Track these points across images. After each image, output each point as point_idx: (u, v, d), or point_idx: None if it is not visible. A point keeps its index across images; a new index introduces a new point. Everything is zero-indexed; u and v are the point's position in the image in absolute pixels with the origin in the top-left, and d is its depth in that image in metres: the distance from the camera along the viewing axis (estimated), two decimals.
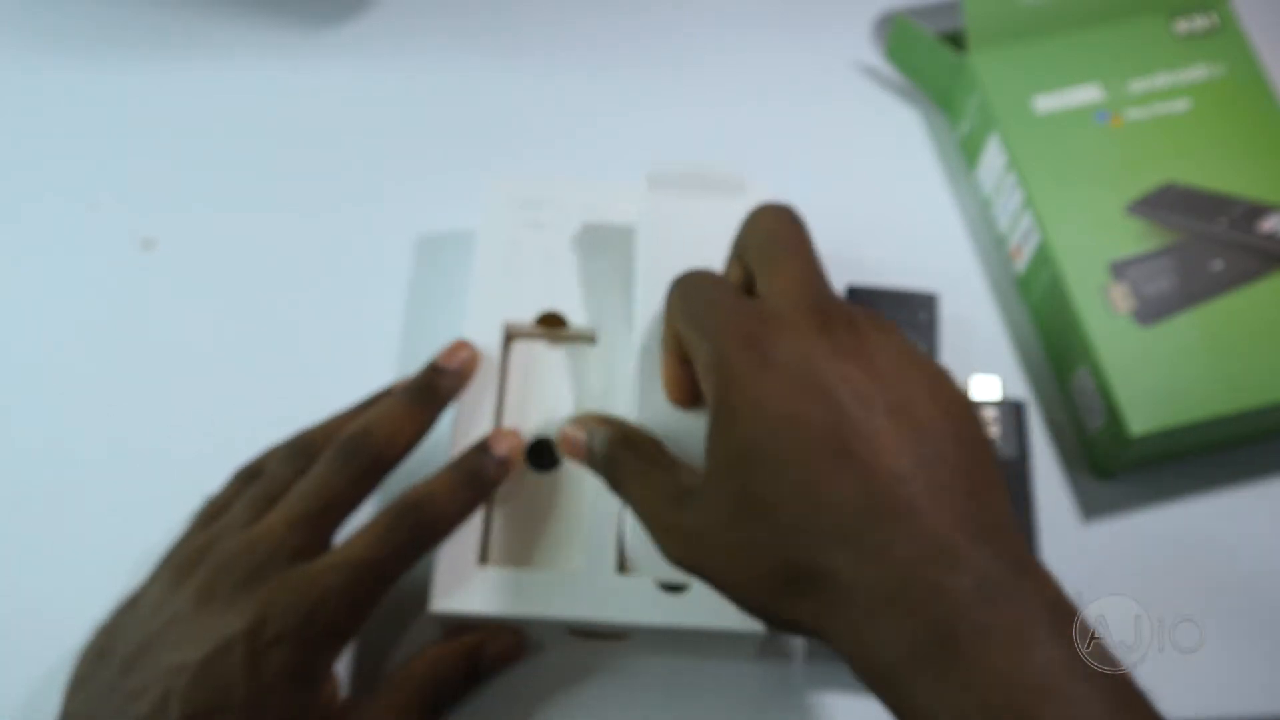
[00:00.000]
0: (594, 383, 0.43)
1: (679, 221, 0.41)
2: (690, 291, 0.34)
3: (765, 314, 0.32)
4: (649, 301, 0.39)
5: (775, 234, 0.34)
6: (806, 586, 0.30)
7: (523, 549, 0.41)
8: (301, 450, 0.40)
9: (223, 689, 0.34)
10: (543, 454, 0.43)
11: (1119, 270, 0.45)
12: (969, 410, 0.32)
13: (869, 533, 0.29)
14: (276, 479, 0.39)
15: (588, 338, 0.44)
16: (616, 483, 0.35)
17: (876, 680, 0.29)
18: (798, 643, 0.43)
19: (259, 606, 0.35)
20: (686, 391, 0.37)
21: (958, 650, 0.27)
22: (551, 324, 0.44)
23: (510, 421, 0.42)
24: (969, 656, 0.27)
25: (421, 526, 0.38)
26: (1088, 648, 0.28)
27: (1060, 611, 0.28)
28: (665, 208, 0.41)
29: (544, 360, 0.44)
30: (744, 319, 0.32)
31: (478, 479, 0.39)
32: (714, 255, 0.37)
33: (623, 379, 0.42)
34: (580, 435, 0.37)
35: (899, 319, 0.45)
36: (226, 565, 0.36)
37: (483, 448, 0.40)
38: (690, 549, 0.32)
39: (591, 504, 0.40)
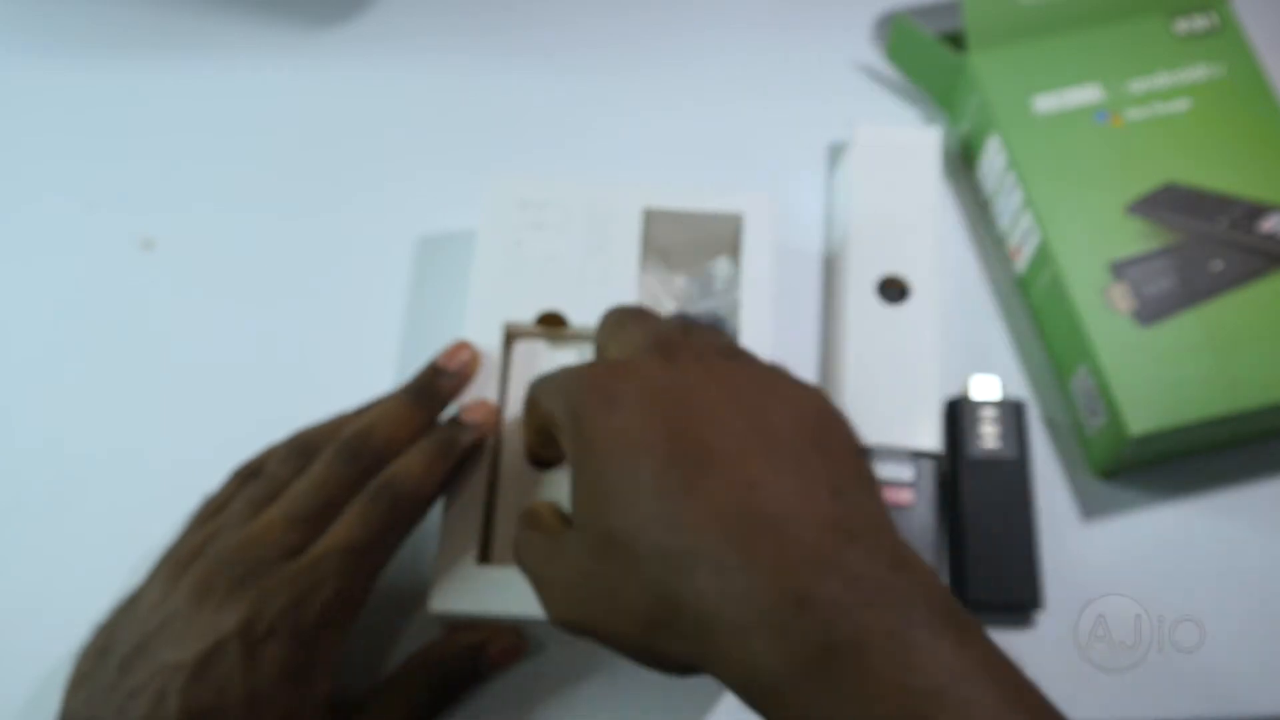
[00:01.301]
0: None
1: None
2: (548, 374, 0.35)
3: (609, 363, 0.33)
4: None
5: (618, 314, 0.36)
6: (676, 617, 0.29)
7: None
8: (300, 450, 0.40)
9: (220, 686, 0.34)
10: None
11: (1119, 270, 0.45)
12: (828, 414, 0.32)
13: (730, 547, 0.28)
14: (275, 478, 0.39)
15: (588, 338, 0.44)
16: (517, 559, 0.35)
17: (761, 702, 0.28)
18: None
19: (252, 602, 0.35)
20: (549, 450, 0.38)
21: (838, 660, 0.26)
22: (552, 324, 0.44)
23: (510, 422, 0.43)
24: (851, 666, 0.26)
25: (399, 502, 0.38)
26: (972, 644, 0.27)
27: (939, 608, 0.27)
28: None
29: (544, 360, 0.44)
30: (590, 372, 0.33)
31: (451, 449, 0.40)
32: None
33: None
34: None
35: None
36: (223, 562, 0.36)
37: (455, 419, 0.40)
38: (565, 603, 0.32)
39: None
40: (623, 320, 0.36)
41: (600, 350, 0.37)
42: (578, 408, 0.32)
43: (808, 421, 0.31)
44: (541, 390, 0.35)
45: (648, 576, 0.29)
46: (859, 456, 0.32)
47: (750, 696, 0.28)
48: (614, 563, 0.30)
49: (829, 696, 0.26)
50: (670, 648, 0.30)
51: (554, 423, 0.34)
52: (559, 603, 0.33)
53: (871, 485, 0.31)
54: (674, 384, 0.32)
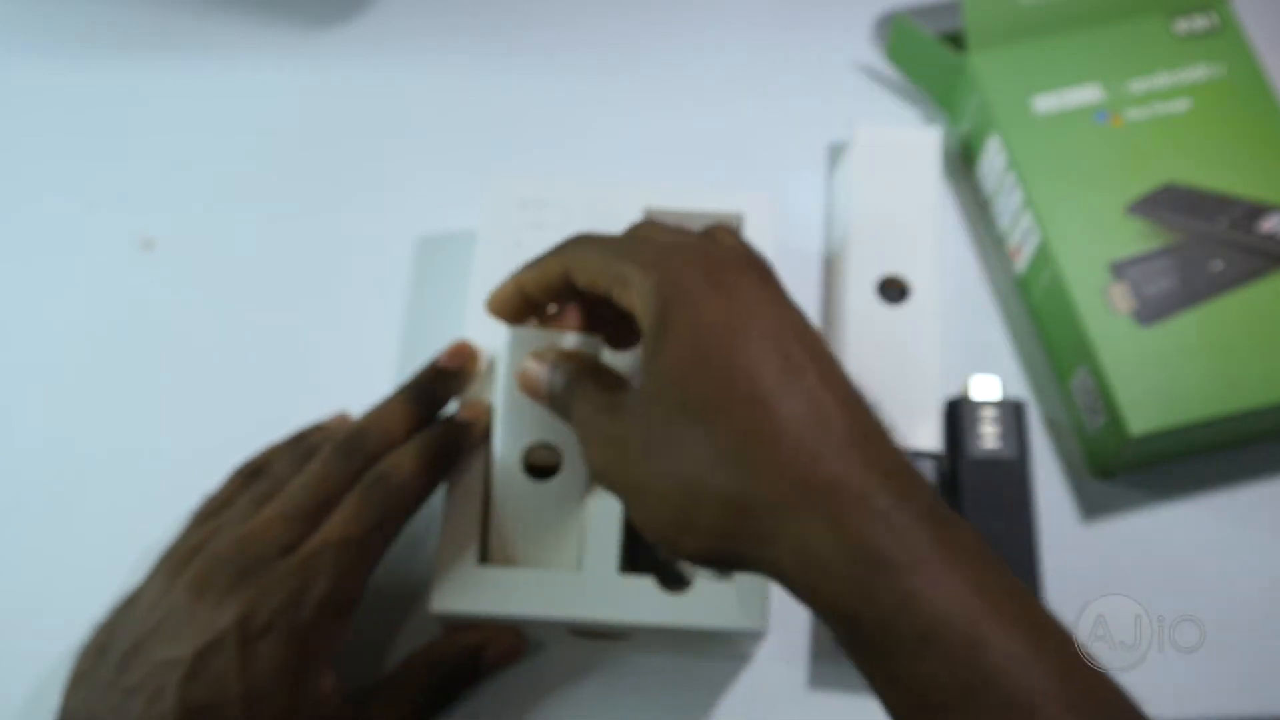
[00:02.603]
0: None
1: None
2: (635, 233, 0.36)
3: (720, 250, 0.34)
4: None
5: (649, 226, 0.36)
6: (737, 498, 0.30)
7: (523, 549, 0.41)
8: (304, 450, 0.40)
9: (217, 682, 0.34)
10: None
11: (1119, 270, 0.45)
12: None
13: (813, 451, 0.29)
14: (278, 479, 0.39)
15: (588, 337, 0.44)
16: (566, 408, 0.36)
17: (820, 600, 0.29)
18: (801, 642, 0.43)
19: (250, 599, 0.35)
20: (517, 312, 0.38)
21: (897, 575, 0.28)
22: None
23: (510, 421, 0.42)
24: (909, 580, 0.28)
25: (391, 495, 0.38)
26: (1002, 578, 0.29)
27: (973, 551, 0.29)
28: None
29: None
30: (697, 248, 0.33)
31: (443, 447, 0.40)
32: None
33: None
34: (541, 372, 0.37)
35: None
36: (220, 560, 0.36)
37: (449, 419, 0.41)
38: (617, 457, 0.33)
39: (591, 504, 0.40)
40: (665, 228, 0.36)
41: (642, 242, 0.35)
42: (682, 278, 0.32)
43: (845, 373, 0.33)
44: (620, 251, 0.35)
45: (724, 450, 0.30)
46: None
47: (806, 592, 0.30)
48: (688, 427, 0.31)
49: (884, 606, 0.28)
50: (711, 525, 0.31)
51: (620, 282, 0.34)
52: (606, 453, 0.33)
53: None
54: (776, 299, 0.33)
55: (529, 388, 0.37)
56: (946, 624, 0.28)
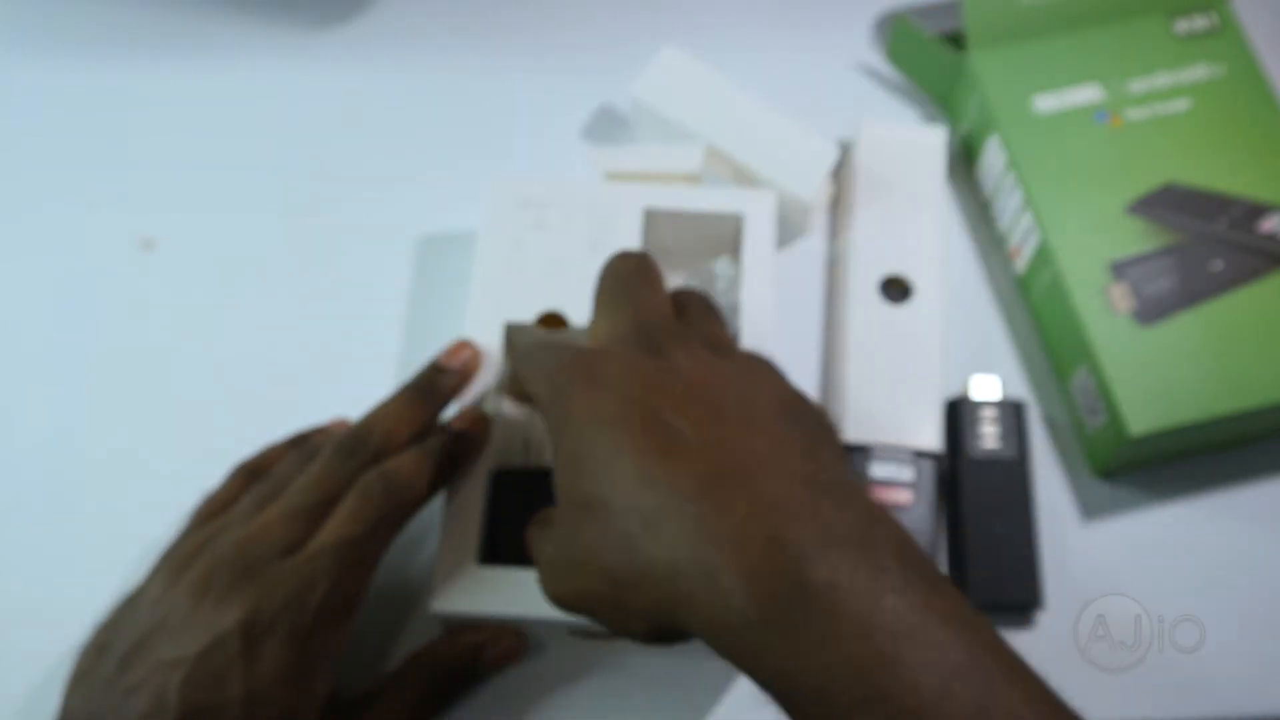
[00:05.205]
0: None
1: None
2: (532, 346, 0.36)
3: (592, 352, 0.34)
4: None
5: (615, 276, 0.36)
6: (648, 570, 0.29)
7: (523, 549, 0.41)
8: (307, 452, 0.40)
9: (219, 682, 0.34)
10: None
11: (1119, 270, 0.45)
12: (804, 399, 0.33)
13: (702, 498, 0.29)
14: (280, 480, 0.39)
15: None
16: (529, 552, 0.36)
17: (730, 646, 0.28)
18: None
19: (252, 599, 0.35)
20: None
21: (809, 600, 0.27)
22: (552, 324, 0.44)
23: (511, 420, 0.42)
24: (822, 606, 0.27)
25: (389, 495, 0.38)
26: (944, 594, 0.27)
27: (910, 558, 0.28)
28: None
29: None
30: (574, 357, 0.34)
31: (442, 454, 0.40)
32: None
33: None
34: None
35: None
36: (223, 560, 0.36)
37: (446, 427, 0.41)
38: (552, 576, 0.33)
39: None
40: (620, 292, 0.36)
41: (594, 313, 0.37)
42: (560, 386, 0.33)
43: (785, 401, 0.33)
44: (525, 372, 0.35)
45: (621, 531, 0.30)
46: (832, 432, 0.33)
47: (719, 641, 0.29)
48: (591, 525, 0.31)
49: (799, 636, 0.27)
50: (641, 601, 0.30)
51: (537, 401, 0.34)
52: (548, 578, 0.33)
53: (840, 455, 0.32)
54: (656, 369, 0.33)
55: None
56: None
